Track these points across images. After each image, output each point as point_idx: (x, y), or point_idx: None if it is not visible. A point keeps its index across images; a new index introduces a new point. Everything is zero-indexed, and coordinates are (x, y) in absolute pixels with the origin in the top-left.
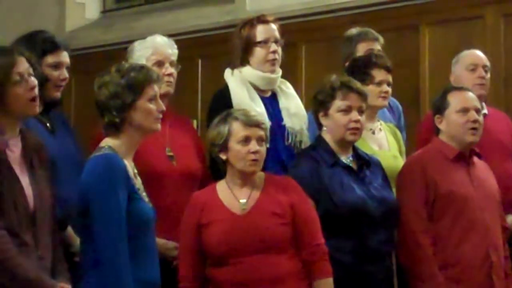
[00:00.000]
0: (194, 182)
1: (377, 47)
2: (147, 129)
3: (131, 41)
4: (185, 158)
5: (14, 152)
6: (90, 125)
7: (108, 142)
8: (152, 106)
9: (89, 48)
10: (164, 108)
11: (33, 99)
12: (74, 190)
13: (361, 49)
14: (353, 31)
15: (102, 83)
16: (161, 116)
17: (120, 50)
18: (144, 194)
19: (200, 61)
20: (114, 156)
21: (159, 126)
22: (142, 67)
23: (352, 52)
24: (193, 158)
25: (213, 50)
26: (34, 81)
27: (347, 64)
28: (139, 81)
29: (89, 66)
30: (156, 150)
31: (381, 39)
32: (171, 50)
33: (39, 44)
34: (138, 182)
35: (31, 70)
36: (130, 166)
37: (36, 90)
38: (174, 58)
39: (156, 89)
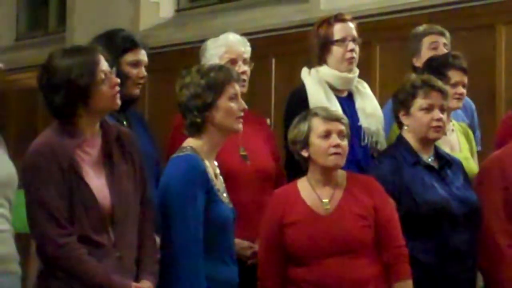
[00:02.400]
0: (267, 181)
1: (443, 41)
2: (229, 128)
3: (204, 40)
4: (258, 158)
5: (90, 153)
6: (164, 123)
7: (190, 142)
8: (233, 105)
9: (163, 47)
10: (245, 106)
11: (115, 96)
12: (151, 187)
13: (426, 43)
14: (420, 27)
15: (183, 84)
16: (242, 114)
17: (194, 49)
18: (224, 195)
19: (274, 60)
20: (194, 157)
21: (240, 126)
22: (221, 67)
23: (418, 47)
24: (266, 158)
25: (287, 49)
26: (116, 78)
27: (414, 60)
28: (219, 81)
29: (162, 65)
30: (230, 150)
31: (448, 34)
32: (244, 48)
33: (118, 42)
34: (218, 183)
35: (109, 68)
36: (211, 166)
37: (118, 87)
38: (247, 56)
39: (237, 87)
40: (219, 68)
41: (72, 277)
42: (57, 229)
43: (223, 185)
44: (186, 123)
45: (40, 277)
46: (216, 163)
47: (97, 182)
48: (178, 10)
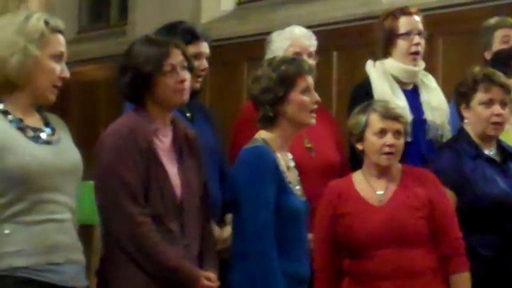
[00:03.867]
0: (332, 173)
1: None
2: (301, 122)
3: (266, 33)
4: (323, 150)
5: (164, 142)
6: (225, 115)
7: (262, 134)
8: (305, 98)
9: (224, 40)
10: (318, 98)
11: (180, 91)
12: (213, 178)
13: (498, 36)
14: (491, 20)
15: (255, 77)
16: (315, 107)
17: (255, 42)
18: (297, 187)
19: (335, 53)
20: (264, 148)
21: (313, 120)
22: (293, 59)
23: (489, 40)
24: (331, 150)
25: (348, 42)
26: (185, 74)
27: (486, 54)
28: (290, 74)
29: (224, 58)
30: (295, 142)
31: None
32: (309, 41)
33: (179, 34)
34: (291, 175)
35: (185, 63)
36: (283, 159)
37: (187, 84)
38: (313, 49)
39: (310, 80)
40: (291, 60)
41: (146, 257)
42: (136, 207)
43: (297, 178)
44: (258, 115)
45: (104, 262)
46: (290, 155)
47: (171, 169)
48: (239, 3)
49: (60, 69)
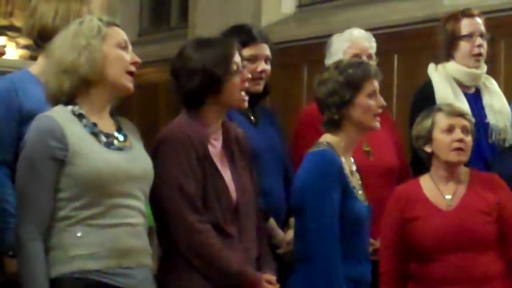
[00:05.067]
0: (391, 177)
1: None
2: (366, 126)
3: (327, 36)
4: (382, 154)
5: (215, 146)
6: (286, 118)
7: (327, 138)
8: (371, 102)
9: (285, 43)
10: (384, 103)
11: (244, 90)
12: (277, 182)
13: None
14: None
15: (321, 80)
16: (380, 111)
17: (316, 45)
18: (360, 192)
19: (396, 56)
20: (330, 153)
21: (378, 123)
22: (360, 63)
23: None
24: (390, 154)
25: (409, 45)
26: (247, 73)
27: None
28: (357, 78)
29: (284, 61)
30: None
31: None
32: (369, 43)
33: (236, 37)
34: (354, 180)
35: (242, 63)
36: (347, 163)
37: (247, 83)
38: (372, 51)
39: (376, 84)
40: (358, 64)
41: (207, 264)
42: (196, 215)
43: (359, 182)
44: (323, 118)
45: (164, 269)
46: (352, 159)
47: (226, 174)
48: (299, 6)
49: (130, 56)
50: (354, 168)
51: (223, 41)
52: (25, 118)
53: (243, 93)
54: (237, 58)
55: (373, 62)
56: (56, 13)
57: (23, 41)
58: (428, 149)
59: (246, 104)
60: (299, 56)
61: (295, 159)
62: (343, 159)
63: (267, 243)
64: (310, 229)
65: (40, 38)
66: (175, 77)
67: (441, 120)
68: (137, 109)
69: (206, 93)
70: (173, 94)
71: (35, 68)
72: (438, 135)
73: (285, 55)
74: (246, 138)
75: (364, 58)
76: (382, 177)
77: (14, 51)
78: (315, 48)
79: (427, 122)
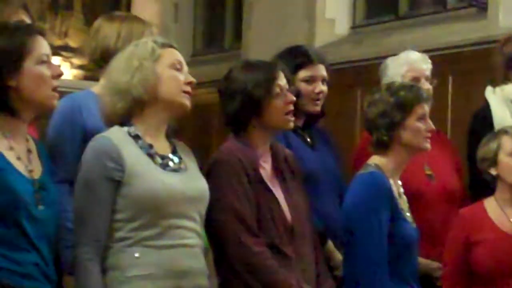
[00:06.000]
0: (453, 200)
1: None
2: (416, 148)
3: (380, 57)
4: (444, 176)
5: (265, 168)
6: (339, 139)
7: (375, 160)
8: (421, 125)
9: (339, 64)
10: (433, 127)
11: (288, 113)
12: (333, 203)
13: None
14: None
15: (371, 101)
16: (430, 135)
17: (370, 66)
18: (408, 214)
19: (450, 78)
20: (379, 175)
21: (428, 145)
22: (412, 86)
23: None
24: (451, 176)
25: (464, 67)
26: (291, 96)
27: None
28: (408, 100)
29: (338, 82)
30: (415, 168)
31: None
32: (425, 65)
33: (292, 58)
34: (402, 202)
35: (287, 85)
36: (395, 185)
37: (292, 105)
38: (429, 73)
39: (426, 108)
40: (410, 87)
41: (266, 286)
42: (252, 237)
43: (407, 204)
44: (372, 140)
45: None
46: (399, 182)
47: (278, 195)
48: (353, 27)
49: (184, 76)
50: (401, 190)
51: (267, 64)
52: (88, 137)
53: (289, 116)
54: (281, 81)
55: (430, 84)
56: (119, 35)
57: (77, 61)
58: (493, 171)
59: (291, 125)
60: (353, 77)
61: None
62: (391, 181)
63: (324, 263)
64: (360, 251)
65: (102, 59)
66: (220, 98)
67: (507, 143)
68: (190, 130)
69: (248, 116)
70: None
71: (97, 88)
72: (504, 158)
73: (338, 76)
74: (295, 158)
75: (423, 80)
76: (445, 199)
77: (68, 71)
78: (369, 69)
79: (493, 145)
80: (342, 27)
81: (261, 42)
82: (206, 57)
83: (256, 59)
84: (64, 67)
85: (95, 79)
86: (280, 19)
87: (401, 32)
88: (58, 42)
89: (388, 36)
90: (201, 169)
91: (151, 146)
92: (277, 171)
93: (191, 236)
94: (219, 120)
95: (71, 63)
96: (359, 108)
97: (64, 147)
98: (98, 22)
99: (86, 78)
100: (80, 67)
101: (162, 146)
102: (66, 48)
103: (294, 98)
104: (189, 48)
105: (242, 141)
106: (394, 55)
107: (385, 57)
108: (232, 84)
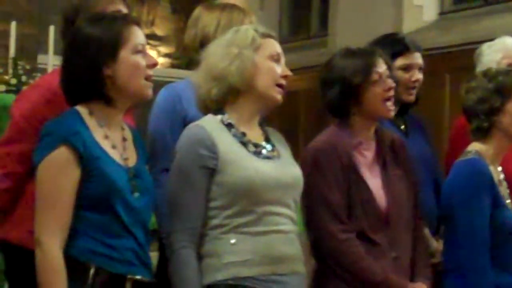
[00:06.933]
0: None
1: None
2: None
3: (469, 43)
4: None
5: (366, 155)
6: (431, 126)
7: (475, 146)
8: None
9: (427, 50)
10: None
11: (388, 100)
12: (429, 191)
13: None
14: None
15: (469, 88)
16: None
17: (459, 52)
18: (508, 201)
19: None
20: (480, 161)
21: None
22: (509, 71)
23: None
24: None
25: None
26: (391, 82)
27: None
28: (507, 85)
29: (427, 68)
30: (509, 158)
31: None
32: None
33: (389, 46)
34: (503, 189)
35: (388, 72)
36: (495, 172)
37: (392, 92)
38: None
39: None
40: (507, 72)
41: (350, 273)
42: (339, 224)
43: (507, 191)
44: (471, 127)
45: (316, 276)
46: (500, 168)
47: (374, 183)
48: (442, 13)
49: (281, 69)
50: (501, 176)
51: (366, 51)
52: None
53: (388, 103)
54: (380, 68)
55: None
56: (218, 24)
57: (164, 49)
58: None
59: (391, 114)
60: (441, 63)
61: (448, 169)
62: (491, 168)
63: (425, 252)
64: (462, 239)
65: (202, 48)
66: (320, 86)
67: None
68: (278, 116)
69: (347, 103)
70: (317, 102)
71: (195, 77)
72: None
73: (427, 63)
74: (403, 144)
75: None
76: None
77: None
78: (458, 55)
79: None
80: (430, 13)
81: (347, 29)
82: (292, 44)
83: (356, 47)
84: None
85: (182, 67)
86: (367, 5)
87: (490, 17)
88: (145, 31)
89: (477, 22)
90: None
91: (244, 134)
92: (380, 158)
93: (286, 222)
94: (305, 107)
95: (158, 52)
96: (447, 95)
97: (164, 137)
98: (197, 11)
99: (173, 66)
100: (167, 55)
101: (255, 134)
102: (153, 36)
103: (394, 84)
104: (275, 35)
105: (343, 127)
106: (483, 41)
107: (474, 43)
108: (332, 71)
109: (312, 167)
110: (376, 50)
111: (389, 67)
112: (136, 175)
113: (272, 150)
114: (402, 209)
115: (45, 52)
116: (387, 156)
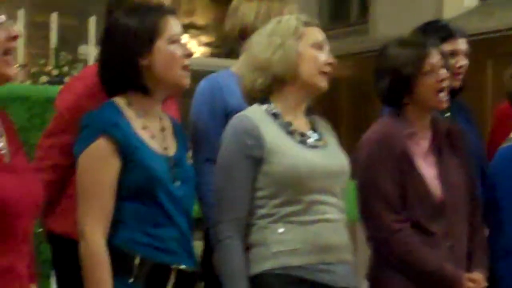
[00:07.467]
0: None
1: None
2: None
3: (511, 29)
4: None
5: (421, 144)
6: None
7: None
8: None
9: (469, 36)
10: None
11: (441, 91)
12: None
13: None
14: None
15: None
16: None
17: (500, 38)
18: None
19: None
20: None
21: None
22: None
23: None
24: None
25: None
26: (445, 73)
27: None
28: None
29: (469, 54)
30: None
31: None
32: None
33: (434, 33)
34: None
35: (442, 62)
36: None
37: (446, 82)
38: None
39: None
40: None
41: (404, 263)
42: (392, 215)
43: None
44: None
45: (371, 266)
46: None
47: (429, 173)
48: None
49: (325, 56)
50: None
51: (420, 41)
52: (230, 116)
53: (441, 94)
54: (433, 59)
55: None
56: (258, 13)
57: (204, 38)
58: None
59: (444, 105)
60: (483, 49)
61: (491, 154)
62: None
63: (482, 241)
64: (506, 227)
65: (241, 37)
66: (374, 75)
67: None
68: (318, 104)
69: (400, 93)
70: (357, 90)
71: (235, 67)
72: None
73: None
74: (460, 132)
75: None
76: None
77: (196, 49)
78: (500, 41)
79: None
80: None
81: (387, 16)
82: (332, 32)
83: (412, 36)
84: (192, 45)
85: (223, 56)
86: None
87: None
88: (185, 20)
89: None
90: None
91: (290, 123)
92: (435, 147)
93: (333, 211)
94: (346, 94)
95: (199, 41)
96: (490, 81)
97: (205, 127)
98: (237, 0)
99: (213, 55)
100: (207, 44)
101: (301, 123)
102: (193, 26)
103: (447, 75)
104: (317, 23)
105: (397, 116)
106: None
107: None
108: (384, 60)
109: (367, 159)
110: (429, 41)
111: (444, 57)
112: (176, 164)
113: (319, 139)
114: (458, 198)
115: (86, 43)
116: (443, 145)
